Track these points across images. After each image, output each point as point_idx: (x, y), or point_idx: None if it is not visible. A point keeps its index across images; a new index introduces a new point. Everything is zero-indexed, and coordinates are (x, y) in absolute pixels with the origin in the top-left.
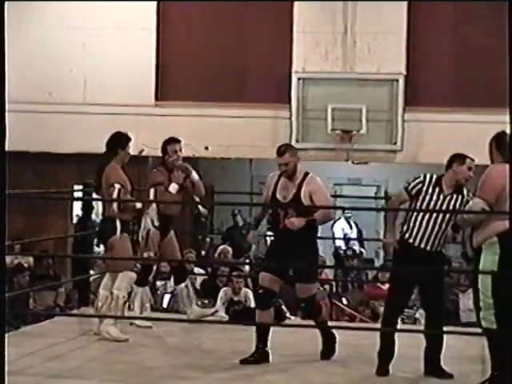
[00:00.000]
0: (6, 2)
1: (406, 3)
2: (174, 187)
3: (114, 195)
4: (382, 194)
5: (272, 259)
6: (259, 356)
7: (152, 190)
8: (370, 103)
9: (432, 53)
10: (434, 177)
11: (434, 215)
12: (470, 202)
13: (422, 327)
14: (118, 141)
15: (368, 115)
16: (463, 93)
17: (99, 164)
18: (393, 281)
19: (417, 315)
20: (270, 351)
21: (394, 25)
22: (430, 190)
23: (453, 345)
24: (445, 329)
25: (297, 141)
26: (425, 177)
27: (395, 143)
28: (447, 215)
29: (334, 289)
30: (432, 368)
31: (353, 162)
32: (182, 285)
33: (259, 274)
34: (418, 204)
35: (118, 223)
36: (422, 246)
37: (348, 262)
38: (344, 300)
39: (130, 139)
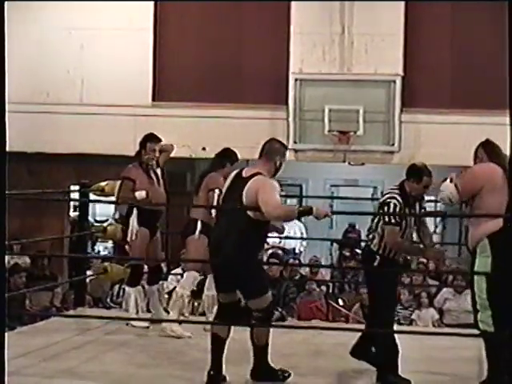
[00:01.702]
0: (6, 2)
1: (403, 4)
2: (140, 194)
3: (215, 201)
4: (379, 196)
5: None
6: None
7: (118, 183)
8: (367, 104)
9: (429, 54)
10: (400, 199)
11: (409, 228)
12: (444, 182)
13: (418, 328)
14: (229, 156)
15: (365, 116)
16: (460, 94)
17: (203, 171)
18: (384, 284)
19: (413, 316)
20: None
21: (391, 26)
22: (407, 211)
23: (451, 346)
24: (442, 330)
25: (294, 142)
26: (399, 203)
27: (392, 144)
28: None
29: (331, 290)
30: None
31: (350, 163)
32: (155, 287)
33: None
34: (403, 225)
35: (198, 224)
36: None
37: (345, 263)
38: (340, 301)
39: (237, 158)
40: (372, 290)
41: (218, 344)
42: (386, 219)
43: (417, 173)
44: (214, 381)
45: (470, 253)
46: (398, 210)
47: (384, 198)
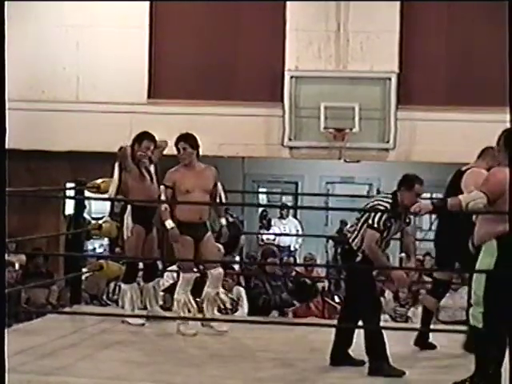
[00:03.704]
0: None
1: (398, 2)
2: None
3: (162, 196)
4: (375, 193)
5: None
6: None
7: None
8: (363, 101)
9: (425, 51)
10: (389, 207)
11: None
12: (473, 192)
13: (414, 325)
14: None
15: (361, 113)
16: (456, 91)
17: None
18: (367, 280)
19: (409, 313)
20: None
21: (387, 23)
22: (393, 222)
23: (446, 343)
24: (437, 327)
25: (289, 139)
26: (387, 209)
27: (388, 141)
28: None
29: (327, 287)
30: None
31: (345, 161)
32: (150, 284)
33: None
34: (385, 234)
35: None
36: None
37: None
38: (336, 298)
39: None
40: (354, 286)
41: (428, 315)
42: (370, 222)
43: (408, 181)
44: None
45: (474, 248)
46: (384, 217)
47: (374, 203)
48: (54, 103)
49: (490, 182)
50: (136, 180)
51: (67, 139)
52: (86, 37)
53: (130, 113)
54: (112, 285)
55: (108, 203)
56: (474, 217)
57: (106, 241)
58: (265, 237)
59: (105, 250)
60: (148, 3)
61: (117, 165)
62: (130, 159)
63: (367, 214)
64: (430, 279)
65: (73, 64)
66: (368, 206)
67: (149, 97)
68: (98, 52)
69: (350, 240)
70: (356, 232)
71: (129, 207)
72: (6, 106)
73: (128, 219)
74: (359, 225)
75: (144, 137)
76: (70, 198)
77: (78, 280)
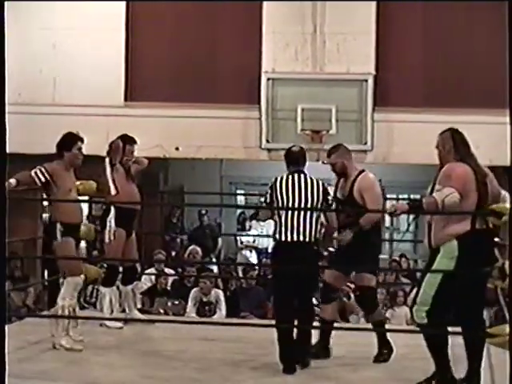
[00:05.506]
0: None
1: (374, 3)
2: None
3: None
4: None
5: (340, 256)
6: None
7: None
8: (340, 103)
9: (401, 53)
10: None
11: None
12: (444, 189)
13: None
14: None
15: (338, 115)
16: (433, 93)
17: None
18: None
19: (387, 315)
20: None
21: (364, 25)
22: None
23: (423, 343)
24: (414, 328)
25: (267, 141)
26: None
27: (365, 143)
28: None
29: None
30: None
31: (323, 162)
32: (129, 287)
33: (325, 271)
34: None
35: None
36: None
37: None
38: (313, 300)
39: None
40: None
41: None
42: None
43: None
44: None
45: (430, 249)
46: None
47: (321, 185)
48: (30, 106)
49: (452, 177)
50: (122, 181)
51: (44, 142)
52: (63, 38)
53: (106, 115)
54: (90, 288)
55: (86, 206)
56: (428, 217)
57: (83, 243)
58: (243, 239)
59: (82, 253)
60: (124, 5)
61: (107, 162)
62: (119, 156)
63: (318, 199)
64: (407, 280)
65: (49, 66)
66: (316, 192)
67: (125, 99)
68: (75, 54)
69: (307, 239)
70: (314, 226)
71: (112, 209)
72: (6, 110)
73: (111, 222)
74: (314, 218)
75: (126, 142)
76: (45, 200)
77: (56, 283)
